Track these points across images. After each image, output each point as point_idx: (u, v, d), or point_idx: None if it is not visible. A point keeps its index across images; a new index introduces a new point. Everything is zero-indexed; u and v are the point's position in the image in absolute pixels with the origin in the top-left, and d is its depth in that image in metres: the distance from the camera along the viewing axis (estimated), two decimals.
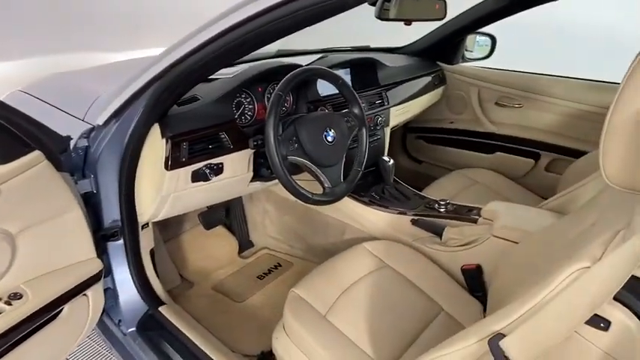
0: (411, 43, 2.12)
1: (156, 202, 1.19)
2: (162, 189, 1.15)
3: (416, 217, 1.47)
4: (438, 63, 2.13)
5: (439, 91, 2.09)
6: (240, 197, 1.89)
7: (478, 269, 1.28)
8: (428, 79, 2.00)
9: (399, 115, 1.81)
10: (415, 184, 2.20)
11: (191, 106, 1.19)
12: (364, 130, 1.36)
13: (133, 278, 1.34)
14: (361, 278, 1.24)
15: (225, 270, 1.73)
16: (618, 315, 0.61)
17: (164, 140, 1.11)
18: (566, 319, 0.60)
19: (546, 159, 1.95)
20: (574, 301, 0.59)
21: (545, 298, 0.64)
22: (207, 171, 1.18)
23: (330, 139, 1.23)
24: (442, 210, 1.47)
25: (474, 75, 2.07)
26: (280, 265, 1.74)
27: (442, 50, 2.09)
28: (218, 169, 1.22)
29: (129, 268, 1.32)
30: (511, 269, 1.09)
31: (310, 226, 1.72)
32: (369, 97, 1.66)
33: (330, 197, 1.24)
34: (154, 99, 1.03)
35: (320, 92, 1.51)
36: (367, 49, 2.03)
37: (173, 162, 1.11)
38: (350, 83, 1.69)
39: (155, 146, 1.12)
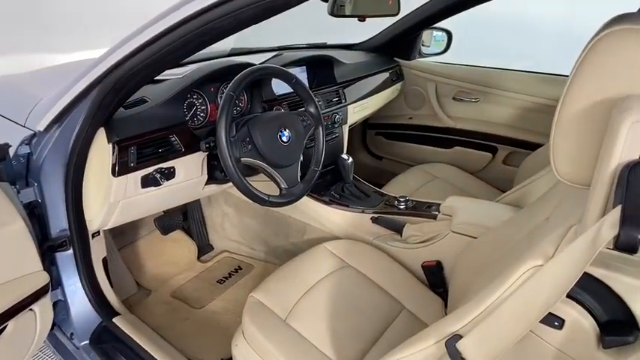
0: (367, 40, 2.11)
1: (104, 210, 1.13)
2: (110, 196, 1.08)
3: (376, 215, 1.47)
4: (396, 59, 2.14)
5: (397, 86, 2.10)
6: (198, 200, 1.83)
7: (438, 265, 1.30)
8: (385, 75, 2.01)
9: (357, 112, 1.80)
10: (376, 180, 2.21)
11: (139, 109, 1.13)
12: (320, 129, 1.34)
13: (84, 289, 1.28)
14: (322, 279, 1.23)
15: (184, 275, 1.68)
16: (572, 313, 0.61)
17: (110, 145, 1.05)
18: (522, 318, 0.59)
19: (503, 152, 2.00)
20: (528, 300, 0.59)
21: (500, 297, 0.63)
22: (158, 176, 1.13)
23: (285, 139, 1.20)
24: (402, 207, 1.48)
25: (430, 70, 2.10)
26: (241, 269, 1.70)
27: (399, 46, 2.10)
28: (169, 174, 1.17)
29: (80, 279, 1.27)
30: (470, 265, 1.10)
31: (270, 227, 1.69)
32: (326, 95, 1.64)
33: (287, 198, 1.21)
34: (96, 103, 0.97)
35: (275, 91, 1.47)
36: (324, 46, 2.01)
37: (120, 168, 1.06)
38: (306, 81, 1.68)
39: (101, 152, 1.06)
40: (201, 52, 1.68)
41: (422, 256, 1.34)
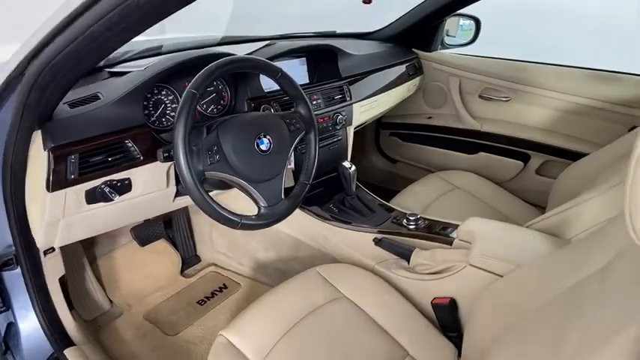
0: (382, 28, 1.86)
1: (43, 229, 0.94)
2: (45, 214, 0.89)
3: (380, 237, 1.24)
4: (414, 50, 1.88)
5: (415, 82, 1.85)
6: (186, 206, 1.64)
7: (452, 304, 1.07)
8: (401, 68, 1.75)
9: (364, 112, 1.56)
10: (389, 185, 1.96)
11: (87, 108, 0.94)
12: (312, 134, 1.11)
13: (36, 313, 1.12)
14: (309, 314, 1.02)
15: (162, 293, 1.49)
16: None
17: (46, 153, 0.85)
18: None
19: (537, 161, 1.72)
20: None
21: None
22: (107, 190, 0.93)
23: (264, 147, 0.98)
24: (412, 227, 1.24)
25: (454, 63, 1.83)
26: (226, 287, 1.51)
27: (418, 35, 1.84)
28: (124, 187, 0.97)
29: (31, 301, 1.10)
30: (493, 310, 0.89)
31: (261, 241, 1.49)
32: (327, 92, 1.40)
33: (266, 220, 0.99)
34: (20, 103, 0.78)
35: (264, 87, 1.25)
36: (332, 35, 1.77)
37: (56, 180, 0.86)
38: (306, 76, 1.45)
39: (38, 160, 0.87)
40: (185, 40, 1.48)
41: (432, 291, 1.10)
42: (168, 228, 1.64)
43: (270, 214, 1.00)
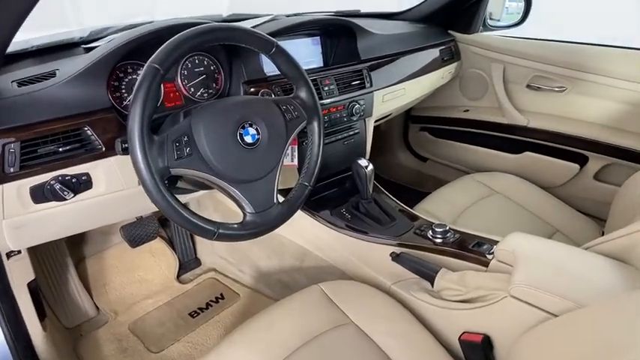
0: (414, 7, 1.62)
1: None
2: None
3: (398, 251, 1.02)
4: (450, 32, 1.63)
5: (450, 68, 1.60)
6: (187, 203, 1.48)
7: (485, 343, 0.84)
8: (434, 52, 1.51)
9: (387, 101, 1.33)
10: (417, 186, 1.73)
11: (37, 87, 0.78)
12: (316, 124, 0.91)
13: (0, 324, 0.97)
14: (308, 342, 0.83)
15: (153, 300, 1.34)
16: None
17: None
18: None
19: (597, 164, 1.43)
20: None
21: None
22: (59, 187, 0.76)
23: (249, 139, 0.79)
24: (438, 240, 1.02)
25: (498, 47, 1.56)
26: (223, 298, 1.33)
27: (456, 15, 1.59)
28: (82, 183, 0.80)
29: None
30: (539, 358, 0.65)
31: (263, 248, 1.30)
32: (343, 76, 1.19)
33: (252, 229, 0.80)
34: None
35: (264, 69, 1.06)
36: (355, 14, 1.55)
37: None
38: (320, 58, 1.25)
39: None
40: (185, 17, 1.30)
41: (461, 323, 0.88)
42: (165, 227, 1.49)
43: (257, 223, 0.81)
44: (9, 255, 0.97)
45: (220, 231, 0.75)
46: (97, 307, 1.30)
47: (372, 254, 1.06)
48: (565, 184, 1.50)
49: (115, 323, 1.26)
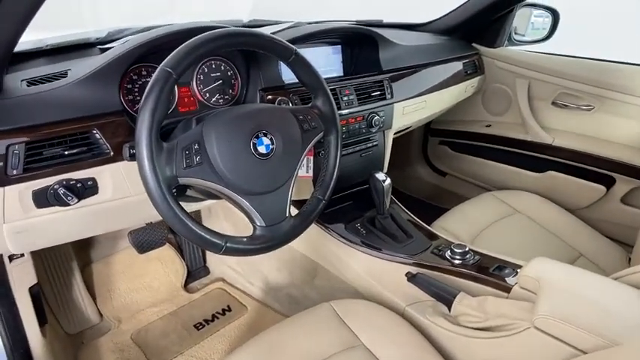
0: (438, 18, 1.58)
1: None
2: None
3: (414, 271, 0.97)
4: (474, 45, 1.58)
5: (473, 82, 1.55)
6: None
7: None
8: (457, 65, 1.47)
9: (408, 113, 1.29)
10: (436, 202, 1.68)
11: (47, 87, 0.75)
12: (333, 136, 0.87)
13: None
14: None
15: (158, 309, 1.30)
16: None
17: None
18: None
19: (625, 186, 1.36)
20: None
21: None
22: (63, 191, 0.74)
23: (263, 149, 0.75)
24: (457, 261, 0.96)
25: (523, 62, 1.51)
26: (230, 310, 1.29)
27: (481, 28, 1.54)
28: (87, 189, 0.77)
29: None
30: None
31: (274, 260, 1.26)
32: (363, 87, 1.15)
33: (262, 243, 0.76)
34: None
35: (283, 76, 1.02)
36: (378, 24, 1.51)
37: None
38: (340, 67, 1.21)
39: None
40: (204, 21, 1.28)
41: (479, 353, 0.83)
42: (174, 233, 1.46)
43: (267, 237, 0.76)
44: (11, 258, 0.95)
45: (228, 245, 0.71)
46: (101, 314, 1.27)
47: (387, 273, 1.01)
48: (590, 206, 1.43)
49: (118, 332, 1.22)
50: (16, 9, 0.53)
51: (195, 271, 1.44)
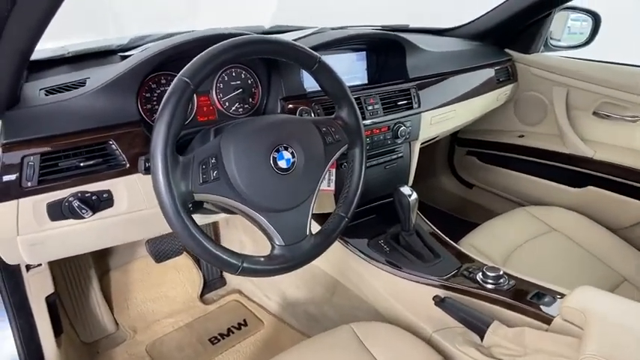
0: (468, 23, 1.51)
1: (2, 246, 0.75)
2: None
3: (442, 295, 0.90)
4: (507, 51, 1.50)
5: (506, 90, 1.47)
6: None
7: None
8: (489, 72, 1.39)
9: (436, 124, 1.22)
10: (462, 215, 1.60)
11: (64, 96, 0.73)
12: (358, 149, 0.82)
13: (14, 336, 0.94)
14: None
15: (174, 320, 1.28)
16: None
17: None
18: None
19: None
20: None
21: None
22: (77, 204, 0.71)
23: (283, 164, 0.70)
24: (490, 286, 0.89)
25: (562, 69, 1.42)
26: (246, 325, 1.25)
27: (515, 32, 1.46)
28: (102, 201, 0.75)
29: (9, 322, 0.93)
30: None
31: (292, 275, 1.18)
32: (389, 96, 1.09)
33: (280, 264, 0.71)
34: None
35: (305, 84, 0.98)
36: (404, 29, 1.45)
37: (4, 188, 0.66)
38: (365, 74, 1.16)
39: None
40: (225, 28, 1.26)
41: None
42: None
43: (287, 257, 0.72)
44: (28, 267, 0.93)
45: (245, 265, 0.67)
46: (117, 323, 1.25)
47: (413, 295, 0.94)
48: (634, 225, 1.32)
49: (133, 342, 1.20)
50: (29, 17, 0.50)
51: (212, 282, 1.41)
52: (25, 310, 0.95)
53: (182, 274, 1.39)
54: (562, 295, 0.85)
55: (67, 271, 1.20)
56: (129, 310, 1.28)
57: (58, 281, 1.19)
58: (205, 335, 1.21)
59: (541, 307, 0.82)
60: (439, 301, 0.90)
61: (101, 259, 1.30)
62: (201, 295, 1.37)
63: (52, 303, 1.00)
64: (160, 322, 1.26)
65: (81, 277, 1.21)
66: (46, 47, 0.95)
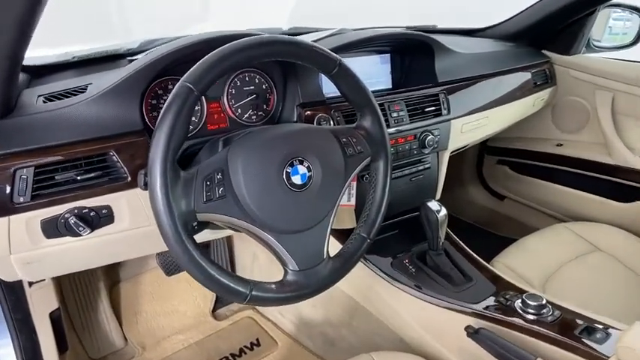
0: (501, 22, 1.40)
1: None
2: None
3: (476, 324, 0.80)
4: (545, 52, 1.38)
5: (543, 95, 1.36)
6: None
7: None
8: (525, 75, 1.29)
9: (467, 132, 1.12)
10: (492, 229, 1.49)
11: (62, 103, 0.67)
12: (382, 162, 0.73)
13: (16, 353, 0.90)
14: None
15: (184, 337, 1.22)
16: None
17: None
18: None
19: None
20: None
21: None
22: (74, 220, 0.65)
23: (298, 179, 0.62)
24: (531, 317, 0.79)
25: (606, 72, 1.30)
26: (259, 345, 1.18)
27: (553, 32, 1.34)
28: (101, 217, 0.68)
29: (11, 338, 0.89)
30: None
31: None
32: (415, 102, 1.00)
33: (293, 291, 0.64)
34: None
35: (324, 90, 0.90)
36: (431, 30, 1.36)
37: None
38: (389, 78, 1.07)
39: None
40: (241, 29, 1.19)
41: None
42: None
43: (301, 283, 0.64)
44: (31, 282, 0.89)
45: (254, 293, 0.59)
46: (125, 338, 1.20)
47: (442, 324, 0.85)
48: None
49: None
50: (4, 20, 0.45)
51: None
52: (27, 327, 0.91)
53: (194, 288, 1.33)
54: (615, 329, 0.74)
55: (76, 284, 1.15)
56: (138, 324, 1.23)
57: (67, 294, 1.15)
58: (216, 355, 1.14)
59: (591, 344, 0.72)
60: (472, 333, 0.80)
61: (111, 270, 1.26)
62: (213, 310, 1.30)
63: (56, 319, 0.95)
64: (170, 339, 1.20)
65: (90, 289, 1.17)
66: (52, 53, 0.91)
